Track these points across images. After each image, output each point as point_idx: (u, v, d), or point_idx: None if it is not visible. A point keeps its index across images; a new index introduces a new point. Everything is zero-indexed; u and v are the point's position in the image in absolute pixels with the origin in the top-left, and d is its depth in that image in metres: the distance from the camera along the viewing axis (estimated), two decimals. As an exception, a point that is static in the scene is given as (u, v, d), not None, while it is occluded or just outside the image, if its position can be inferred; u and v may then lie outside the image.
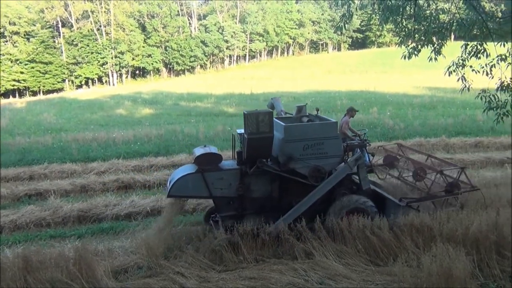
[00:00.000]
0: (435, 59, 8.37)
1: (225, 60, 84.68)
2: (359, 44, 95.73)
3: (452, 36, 9.92)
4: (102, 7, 72.19)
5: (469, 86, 8.47)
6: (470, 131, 18.25)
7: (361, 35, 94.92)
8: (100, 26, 72.17)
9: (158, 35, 76.77)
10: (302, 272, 6.66)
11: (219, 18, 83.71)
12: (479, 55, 7.77)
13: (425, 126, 19.15)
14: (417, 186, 9.17)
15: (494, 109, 8.50)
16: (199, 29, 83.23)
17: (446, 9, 8.37)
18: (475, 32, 7.92)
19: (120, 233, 9.09)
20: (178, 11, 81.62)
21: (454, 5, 8.38)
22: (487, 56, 7.73)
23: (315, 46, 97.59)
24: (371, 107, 24.75)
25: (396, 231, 7.47)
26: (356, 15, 66.16)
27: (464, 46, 8.18)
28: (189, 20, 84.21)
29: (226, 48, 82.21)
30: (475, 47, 7.80)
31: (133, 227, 9.19)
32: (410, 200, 8.61)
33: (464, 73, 8.32)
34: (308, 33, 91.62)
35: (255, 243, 7.53)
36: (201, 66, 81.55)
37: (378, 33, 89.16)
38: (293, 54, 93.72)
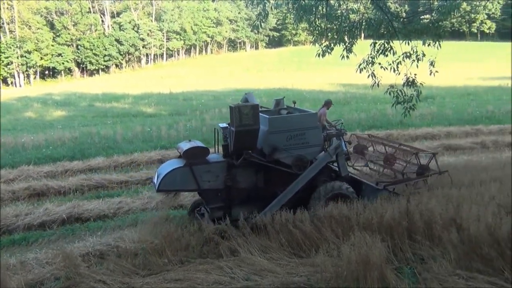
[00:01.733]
0: (347, 57, 8.77)
1: (141, 59, 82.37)
2: (275, 42, 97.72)
3: (362, 35, 10.42)
4: (4, 3, 67.04)
5: (378, 82, 8.97)
6: (381, 124, 19.33)
7: (278, 34, 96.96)
8: (3, 23, 66.99)
9: (69, 33, 72.84)
10: (228, 270, 6.68)
11: (134, 15, 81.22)
12: (386, 53, 8.25)
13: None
14: (386, 172, 10.06)
15: (402, 103, 9.09)
16: (113, 27, 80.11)
17: (356, 9, 8.79)
18: (382, 31, 8.39)
19: (33, 244, 8.53)
20: (89, 8, 78.03)
21: (362, 5, 8.82)
22: (393, 54, 8.22)
23: (233, 45, 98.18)
24: (289, 104, 25.35)
25: (317, 223, 7.73)
26: (272, 14, 67.36)
27: (373, 45, 8.64)
28: (101, 17, 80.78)
29: (143, 47, 79.97)
30: (383, 45, 8.27)
31: (48, 237, 8.68)
32: (387, 183, 9.27)
33: (373, 70, 8.80)
34: (226, 31, 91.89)
35: (179, 244, 7.43)
36: (117, 66, 78.65)
37: (293, 32, 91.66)
38: (212, 52, 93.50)
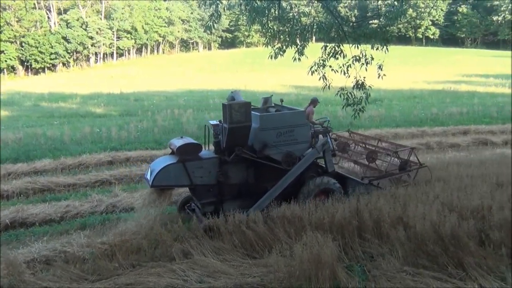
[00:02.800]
0: (299, 59, 8.89)
1: (90, 58, 79.86)
2: (228, 43, 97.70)
3: (314, 38, 10.61)
4: None
5: (329, 84, 9.15)
6: (332, 126, 19.68)
7: (231, 35, 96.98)
8: None
9: (12, 30, 69.52)
10: (180, 272, 6.60)
11: (82, 13, 78.68)
12: (337, 56, 8.42)
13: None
14: (371, 167, 10.45)
15: (352, 105, 9.31)
16: (59, 24, 77.19)
17: (307, 12, 8.92)
18: (333, 35, 8.56)
19: (-27, 252, 8.08)
20: (34, 4, 74.90)
21: (314, 9, 8.96)
22: (344, 57, 8.41)
23: (186, 45, 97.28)
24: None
25: (270, 223, 7.79)
26: (225, 15, 67.22)
27: (324, 48, 8.80)
28: (47, 14, 77.72)
29: (91, 45, 77.53)
30: (334, 48, 8.44)
31: (-11, 244, 8.24)
32: (371, 178, 9.78)
33: (324, 73, 8.97)
34: (178, 31, 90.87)
35: (130, 247, 7.28)
36: (64, 64, 75.88)
37: (246, 33, 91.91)
38: (164, 52, 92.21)
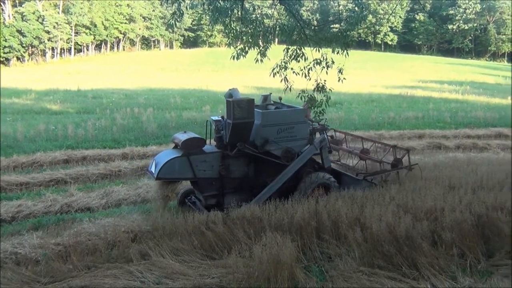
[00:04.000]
0: (261, 60, 8.92)
1: (46, 53, 77.27)
2: (191, 42, 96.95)
3: (276, 40, 10.68)
4: None
5: (291, 86, 9.23)
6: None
7: (193, 34, 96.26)
8: None
9: (-38, 21, 66.48)
10: (138, 274, 6.48)
11: (39, 6, 76.02)
12: (298, 59, 8.50)
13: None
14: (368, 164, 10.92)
15: (312, 108, 9.43)
16: (14, 17, 74.22)
17: (270, 14, 8.97)
18: (295, 38, 8.64)
19: None
20: (-13, -5, 71.85)
21: (276, 11, 9.02)
22: (305, 60, 8.50)
23: (147, 43, 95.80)
24: (204, 105, 25.30)
25: (230, 224, 7.77)
26: (187, 14, 66.68)
27: (286, 50, 8.87)
28: (1, 6, 74.58)
29: (48, 40, 74.98)
30: (295, 51, 8.52)
31: None
32: (366, 174, 10.24)
33: (286, 75, 9.04)
34: (139, 29, 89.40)
35: (86, 249, 7.09)
36: (18, 58, 73.01)
37: (209, 33, 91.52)
38: (124, 49, 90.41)
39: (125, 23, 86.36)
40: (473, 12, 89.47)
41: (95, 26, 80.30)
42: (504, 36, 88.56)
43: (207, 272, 6.61)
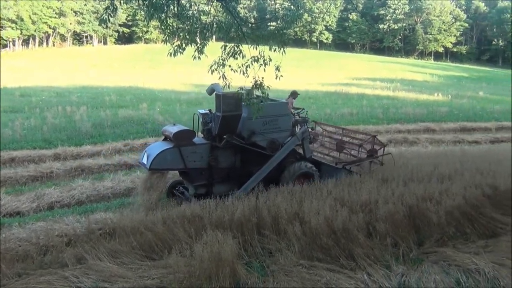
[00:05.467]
0: (199, 57, 8.81)
1: (-32, 48, 72.18)
2: (126, 39, 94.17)
3: (214, 37, 10.61)
4: None
5: (229, 84, 9.21)
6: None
7: (128, 30, 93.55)
8: None
9: None
10: (73, 279, 6.23)
11: (-42, -2, 70.78)
12: (236, 56, 8.48)
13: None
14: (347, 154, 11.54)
15: (251, 104, 9.46)
16: None
17: (207, 11, 8.89)
18: (232, 35, 8.61)
19: None
20: None
21: (213, 8, 8.96)
22: (243, 57, 8.50)
23: (79, 38, 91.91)
24: (141, 103, 24.68)
25: (169, 224, 7.66)
26: (122, 8, 64.58)
27: (223, 47, 8.83)
28: None
29: (-31, 34, 70.14)
30: (233, 48, 8.49)
31: None
32: (345, 163, 10.92)
33: (224, 72, 8.99)
34: (70, 23, 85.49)
35: (16, 255, 6.71)
36: None
37: (144, 29, 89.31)
38: (54, 45, 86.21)
39: (55, 17, 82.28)
40: (402, 12, 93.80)
41: (22, 20, 75.81)
42: (430, 36, 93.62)
43: (147, 273, 6.48)
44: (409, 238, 7.75)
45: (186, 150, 9.24)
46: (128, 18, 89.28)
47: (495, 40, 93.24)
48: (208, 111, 9.89)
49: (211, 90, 9.86)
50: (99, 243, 7.16)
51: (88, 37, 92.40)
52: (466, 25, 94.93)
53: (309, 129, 11.24)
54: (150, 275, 6.43)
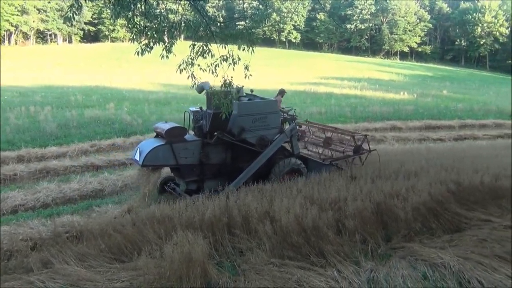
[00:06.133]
0: (167, 56, 8.72)
1: None
2: (92, 37, 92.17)
3: (182, 36, 10.52)
4: None
5: (198, 83, 9.16)
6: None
7: (94, 28, 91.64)
8: None
9: None
10: (39, 284, 6.07)
11: None
12: (205, 55, 8.43)
13: (162, 121, 19.81)
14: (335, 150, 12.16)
15: (218, 104, 9.44)
16: None
17: (175, 9, 8.80)
18: (201, 34, 8.56)
19: None
20: None
21: (181, 6, 8.87)
22: (212, 56, 8.47)
23: (43, 37, 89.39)
24: (108, 102, 24.24)
25: (139, 225, 7.56)
26: (87, 6, 63.20)
27: (192, 46, 8.77)
28: None
29: None
30: (202, 47, 8.44)
31: None
32: (331, 159, 11.44)
33: (193, 71, 8.93)
34: (34, 21, 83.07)
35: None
36: None
37: (111, 27, 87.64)
38: (16, 43, 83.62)
39: (17, 15, 79.75)
40: (369, 13, 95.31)
41: (-19, 17, 73.39)
42: (396, 36, 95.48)
43: (116, 276, 6.37)
44: (377, 234, 7.89)
45: (178, 147, 9.44)
46: (94, 16, 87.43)
47: (458, 40, 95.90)
48: (199, 109, 10.16)
49: (200, 88, 9.87)
50: (65, 247, 7.00)
51: (53, 36, 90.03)
52: (430, 25, 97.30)
53: (298, 127, 11.68)
54: (119, 278, 6.32)
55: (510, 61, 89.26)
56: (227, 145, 10.03)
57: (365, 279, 6.56)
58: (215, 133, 9.76)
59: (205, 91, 9.83)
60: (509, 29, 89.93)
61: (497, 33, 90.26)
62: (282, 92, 12.36)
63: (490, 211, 9.24)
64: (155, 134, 10.15)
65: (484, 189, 9.78)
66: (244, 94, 10.96)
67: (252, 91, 10.99)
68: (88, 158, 14.02)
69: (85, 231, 7.41)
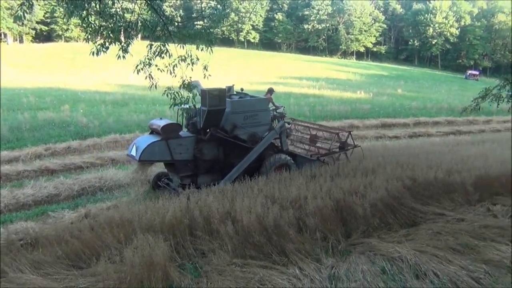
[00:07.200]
0: (123, 57, 8.55)
1: None
2: (44, 37, 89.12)
3: (139, 36, 10.34)
4: None
5: (156, 83, 9.02)
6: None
7: (47, 28, 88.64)
8: None
9: None
10: (-9, 295, 5.82)
11: None
12: (163, 55, 8.33)
13: (119, 123, 19.44)
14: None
15: (179, 105, 9.34)
16: None
17: (131, 9, 8.63)
18: (158, 34, 8.44)
19: None
20: None
21: (138, 6, 8.71)
22: (170, 57, 8.37)
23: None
24: (62, 104, 23.49)
25: (97, 230, 7.38)
26: (39, 5, 61.13)
27: (149, 46, 8.63)
28: None
29: None
30: (159, 47, 8.33)
31: None
32: (319, 155, 11.91)
33: (151, 72, 8.80)
34: (-19, 20, 79.58)
35: None
36: None
37: (64, 26, 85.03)
38: (-38, 43, 79.79)
39: (-37, 13, 76.23)
40: (325, 13, 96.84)
41: None
42: (352, 36, 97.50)
43: (74, 283, 6.21)
44: (337, 231, 8.03)
45: (173, 143, 9.77)
46: (46, 15, 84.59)
47: (411, 40, 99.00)
48: (192, 106, 10.19)
49: (192, 87, 9.97)
50: (20, 255, 6.75)
51: (2, 35, 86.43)
52: (385, 26, 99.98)
53: (287, 124, 12.12)
54: (78, 285, 6.16)
55: (460, 61, 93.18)
56: (219, 141, 10.37)
57: (326, 276, 6.67)
58: (208, 130, 10.08)
59: (197, 88, 9.86)
60: (459, 29, 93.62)
61: (448, 34, 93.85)
62: (271, 91, 12.79)
63: (443, 205, 9.61)
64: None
65: (438, 184, 10.15)
66: (235, 93, 11.37)
67: (242, 89, 11.45)
68: (43, 162, 13.54)
69: (40, 238, 7.16)
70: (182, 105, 9.94)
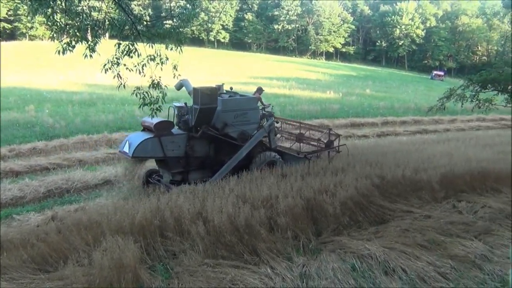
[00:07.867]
0: (90, 56, 8.38)
1: None
2: (7, 35, 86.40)
3: (107, 35, 10.17)
4: None
5: (124, 83, 8.87)
6: (129, 126, 19.25)
7: (10, 26, 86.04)
8: None
9: None
10: (-47, 302, 5.61)
11: None
12: (131, 55, 8.20)
13: (87, 123, 19.08)
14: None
15: (148, 104, 9.22)
16: None
17: (98, 7, 8.47)
18: (126, 33, 8.31)
19: None
20: None
21: (105, 4, 8.56)
22: (138, 56, 8.26)
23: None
24: (27, 104, 22.85)
25: (64, 232, 7.22)
26: (1, 2, 59.29)
27: (117, 45, 8.49)
28: None
29: None
30: (128, 46, 8.20)
31: None
32: (306, 153, 12.16)
33: (119, 71, 8.66)
34: None
35: None
36: None
37: (29, 25, 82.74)
38: None
39: None
40: (295, 14, 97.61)
41: None
42: (321, 37, 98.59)
43: (41, 287, 6.04)
44: (308, 230, 8.11)
45: (166, 140, 9.94)
46: (10, 13, 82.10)
47: (379, 41, 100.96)
48: (184, 104, 10.70)
49: (179, 85, 10.64)
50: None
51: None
52: (353, 27, 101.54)
53: (276, 122, 12.29)
54: (44, 289, 6.00)
55: (426, 61, 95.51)
56: (210, 139, 10.55)
57: (297, 274, 6.72)
58: (199, 128, 10.25)
59: (186, 87, 10.37)
60: (424, 31, 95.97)
61: (414, 35, 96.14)
62: (259, 90, 12.97)
63: (411, 203, 9.84)
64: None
65: (406, 182, 10.38)
66: (225, 91, 11.51)
67: (231, 88, 11.71)
68: (7, 163, 13.14)
69: (4, 242, 6.94)
70: (173, 104, 10.45)
